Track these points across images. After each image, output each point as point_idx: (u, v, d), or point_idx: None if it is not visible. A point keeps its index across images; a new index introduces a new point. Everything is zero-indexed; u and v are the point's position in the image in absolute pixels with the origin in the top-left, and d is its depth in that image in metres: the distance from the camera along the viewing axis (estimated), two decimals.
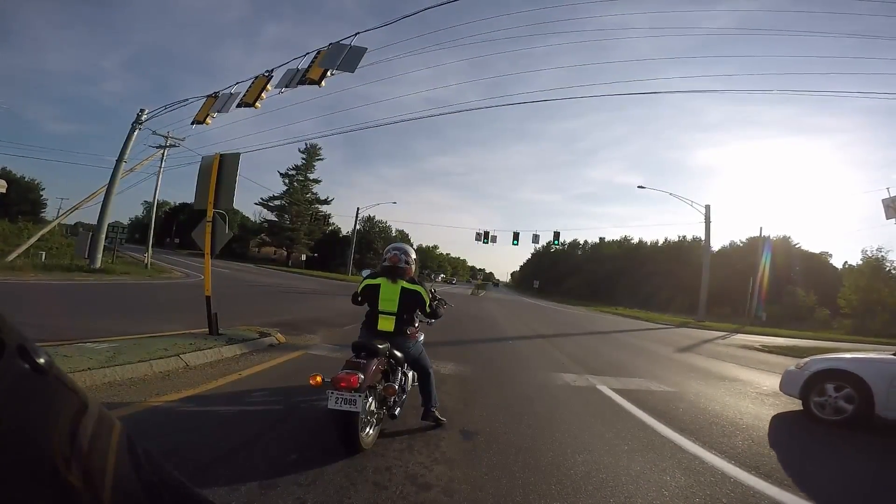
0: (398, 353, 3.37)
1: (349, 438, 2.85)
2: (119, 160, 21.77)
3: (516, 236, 31.90)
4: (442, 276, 68.30)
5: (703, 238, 72.52)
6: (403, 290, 3.43)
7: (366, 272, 3.72)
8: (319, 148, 67.87)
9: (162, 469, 0.65)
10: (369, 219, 79.27)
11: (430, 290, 3.70)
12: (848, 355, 5.63)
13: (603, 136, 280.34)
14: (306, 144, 66.78)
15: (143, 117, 22.85)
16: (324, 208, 69.40)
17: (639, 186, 30.23)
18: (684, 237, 75.66)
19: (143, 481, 0.60)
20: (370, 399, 2.99)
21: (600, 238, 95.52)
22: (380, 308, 3.46)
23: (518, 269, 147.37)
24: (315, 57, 13.07)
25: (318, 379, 3.00)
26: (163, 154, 30.14)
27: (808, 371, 5.43)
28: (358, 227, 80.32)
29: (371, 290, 3.50)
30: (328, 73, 12.46)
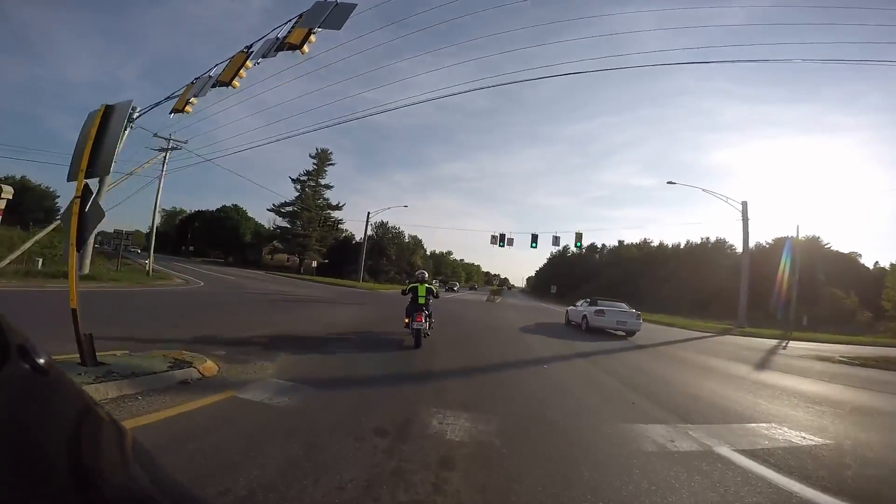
0: (426, 311, 8.37)
1: (418, 341, 7.90)
2: None
3: (535, 238, 29.38)
4: (437, 280, 66.87)
5: (727, 239, 69.40)
6: (427, 287, 8.69)
7: (410, 281, 10.62)
8: (331, 153, 66.63)
9: (162, 471, 0.64)
10: (382, 224, 77.64)
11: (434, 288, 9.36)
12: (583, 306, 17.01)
13: (616, 139, 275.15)
14: (317, 149, 65.72)
15: (135, 115, 21.24)
16: (336, 214, 68.17)
17: (668, 182, 27.22)
18: (707, 239, 73.55)
19: (144, 482, 0.59)
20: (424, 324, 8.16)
21: (619, 241, 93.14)
22: (419, 294, 8.49)
23: (534, 274, 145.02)
24: (296, 21, 11.02)
25: (406, 320, 8.19)
26: (165, 157, 28.79)
27: (578, 313, 16.67)
28: (371, 233, 79.07)
29: (413, 288, 8.69)
30: (311, 36, 10.37)
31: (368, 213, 44.04)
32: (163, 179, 28.85)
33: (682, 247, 77.97)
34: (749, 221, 30.04)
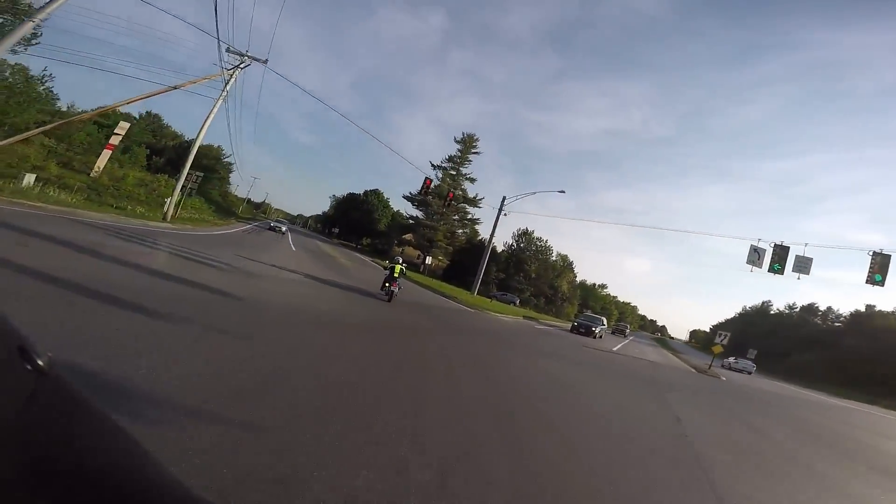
0: (398, 281, 13.09)
1: (391, 298, 12.62)
2: None
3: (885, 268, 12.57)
4: (514, 299, 46.65)
5: None
6: (400, 268, 13.35)
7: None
8: (476, 139, 56.65)
9: (163, 469, 0.63)
10: (525, 233, 64.59)
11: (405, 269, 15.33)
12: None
13: (831, 181, 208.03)
14: (463, 134, 56.47)
15: None
16: (472, 211, 57.81)
17: None
18: None
19: (144, 482, 0.59)
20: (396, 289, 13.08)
21: (867, 305, 65.86)
22: (395, 270, 13.04)
23: (708, 328, 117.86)
24: None
25: (386, 285, 13.02)
26: (231, 75, 21.32)
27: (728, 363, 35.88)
28: (511, 241, 66.94)
29: (392, 266, 13.19)
30: None
31: (504, 197, 31.58)
32: (223, 96, 21.21)
33: None
34: None
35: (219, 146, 63.84)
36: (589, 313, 36.56)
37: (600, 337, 26.49)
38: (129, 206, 20.14)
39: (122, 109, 49.38)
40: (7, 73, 22.99)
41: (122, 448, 0.59)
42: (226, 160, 67.49)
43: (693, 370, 22.03)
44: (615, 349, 22.03)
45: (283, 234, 39.49)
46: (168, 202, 19.86)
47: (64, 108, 33.34)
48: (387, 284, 12.84)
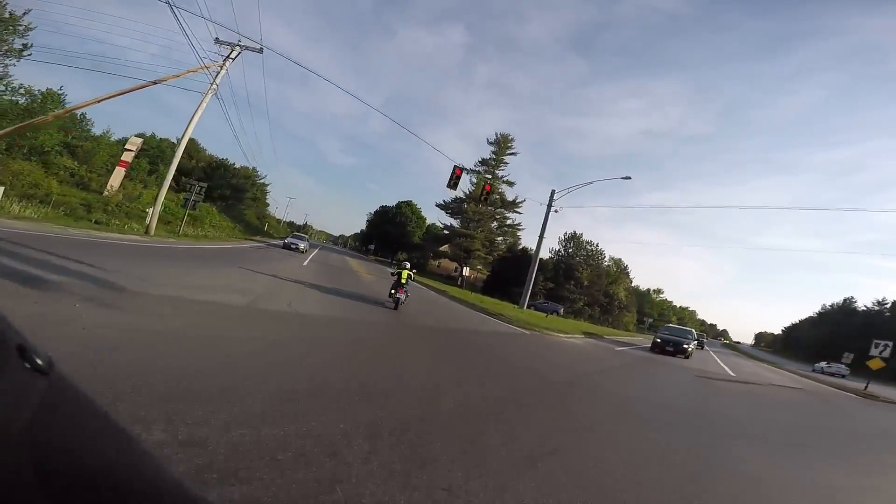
0: (406, 287, 12.48)
1: (397, 306, 12.15)
2: None
3: None
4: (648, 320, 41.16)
5: None
6: (408, 274, 12.69)
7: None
8: (512, 139, 51.85)
9: (163, 470, 0.64)
10: (573, 237, 58.77)
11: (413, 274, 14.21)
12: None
13: (893, 167, 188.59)
14: (496, 135, 51.91)
15: None
16: (511, 217, 52.96)
17: None
18: None
19: (144, 482, 0.59)
20: (403, 296, 12.45)
21: None
22: (402, 275, 12.39)
23: (781, 330, 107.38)
24: None
25: (392, 292, 12.31)
26: (222, 66, 18.11)
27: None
28: (558, 247, 61.45)
29: (399, 273, 12.54)
30: None
31: (553, 190, 26.83)
32: (213, 89, 17.89)
33: None
34: None
35: (253, 168, 62.52)
36: (671, 324, 30.54)
37: (691, 354, 20.78)
38: (114, 221, 17.32)
39: (158, 132, 49.20)
40: (39, 98, 21.84)
41: (122, 448, 0.57)
42: (260, 181, 66.29)
43: (855, 395, 16.25)
44: (732, 374, 16.50)
45: (302, 252, 30.42)
46: (150, 213, 16.65)
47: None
48: (393, 291, 12.42)
